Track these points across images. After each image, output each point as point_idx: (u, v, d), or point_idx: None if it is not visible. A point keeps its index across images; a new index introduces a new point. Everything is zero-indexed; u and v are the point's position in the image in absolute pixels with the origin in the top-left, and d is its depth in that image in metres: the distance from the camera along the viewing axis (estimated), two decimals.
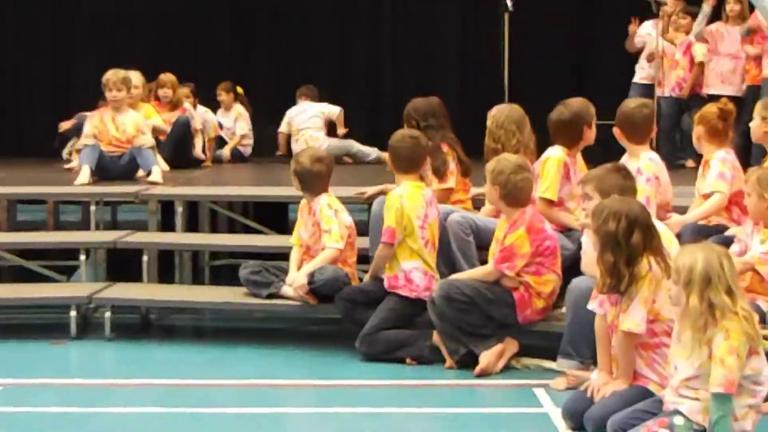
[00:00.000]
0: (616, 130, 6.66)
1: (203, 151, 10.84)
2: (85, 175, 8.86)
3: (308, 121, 11.45)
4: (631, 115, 6.68)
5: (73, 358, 7.04)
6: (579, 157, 6.96)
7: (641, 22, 10.85)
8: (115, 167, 9.19)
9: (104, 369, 6.86)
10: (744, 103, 9.42)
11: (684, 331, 4.76)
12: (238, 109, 11.81)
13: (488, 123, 7.18)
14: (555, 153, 6.80)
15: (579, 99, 6.98)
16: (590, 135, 6.87)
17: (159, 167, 9.10)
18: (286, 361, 6.77)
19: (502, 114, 7.16)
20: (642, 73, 11.03)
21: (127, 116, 9.31)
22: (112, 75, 9.29)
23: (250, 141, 11.82)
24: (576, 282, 6.08)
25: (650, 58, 10.70)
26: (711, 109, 6.86)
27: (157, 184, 8.78)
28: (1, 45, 14.11)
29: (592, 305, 5.48)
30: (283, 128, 11.61)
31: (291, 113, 11.58)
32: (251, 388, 6.19)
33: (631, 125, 6.65)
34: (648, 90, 10.50)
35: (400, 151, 6.78)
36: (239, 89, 11.96)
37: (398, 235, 6.59)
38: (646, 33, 10.88)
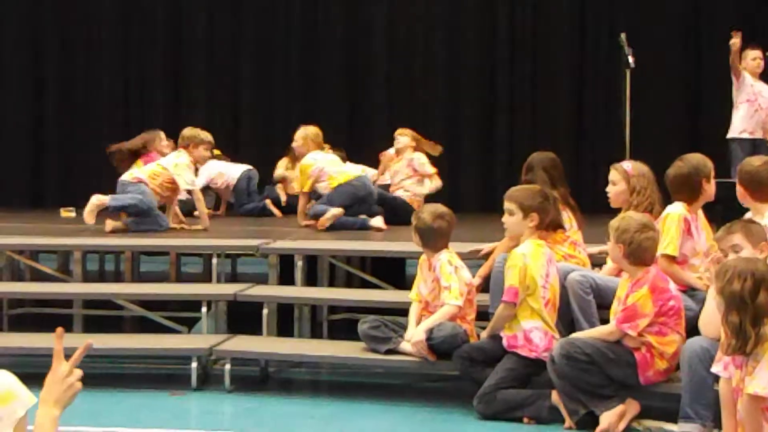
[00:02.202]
0: (739, 189, 6.53)
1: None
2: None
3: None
4: (756, 173, 6.54)
5: (193, 409, 7.10)
6: (701, 213, 6.85)
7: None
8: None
9: (223, 421, 6.90)
10: None
11: None
12: None
13: (616, 175, 7.07)
14: (675, 209, 6.71)
15: (696, 154, 6.91)
16: (710, 190, 6.76)
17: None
18: (404, 417, 6.74)
19: (639, 167, 7.09)
20: (744, 125, 10.73)
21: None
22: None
23: None
24: (690, 342, 5.97)
25: None
26: None
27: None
28: None
29: (716, 368, 5.35)
30: None
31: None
32: None
33: (758, 183, 6.52)
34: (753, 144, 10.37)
35: (533, 209, 6.69)
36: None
37: (521, 294, 6.54)
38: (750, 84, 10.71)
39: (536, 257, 6.60)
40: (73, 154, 14.18)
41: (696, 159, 6.85)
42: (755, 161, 6.80)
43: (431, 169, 10.91)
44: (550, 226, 7.19)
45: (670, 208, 6.74)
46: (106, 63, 14.55)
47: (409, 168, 10.87)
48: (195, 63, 14.61)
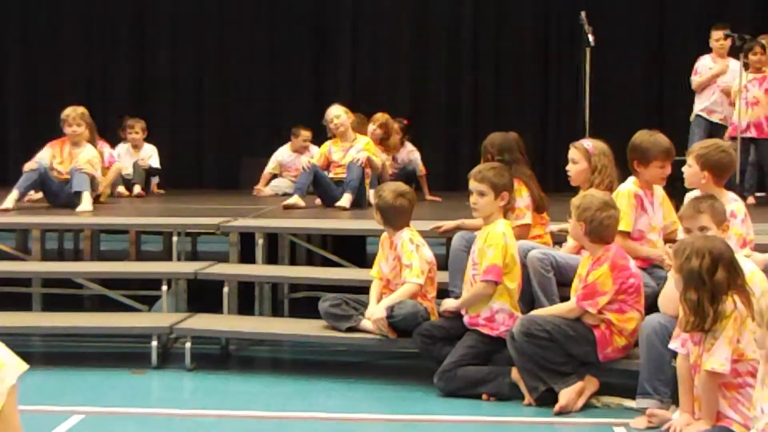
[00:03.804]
0: (701, 173, 6.48)
1: None
2: (10, 199, 9.18)
3: None
4: (719, 161, 6.52)
5: (153, 388, 7.08)
6: (659, 189, 6.85)
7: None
8: (62, 193, 9.48)
9: (183, 399, 6.89)
10: None
11: None
12: None
13: (577, 154, 7.07)
14: (624, 186, 6.75)
15: (644, 131, 6.88)
16: (649, 173, 6.72)
17: (88, 194, 9.30)
18: (365, 395, 6.75)
19: (600, 146, 7.08)
20: (702, 105, 10.81)
21: (84, 151, 9.62)
22: (71, 111, 9.68)
23: None
24: (648, 319, 6.02)
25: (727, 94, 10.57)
26: None
27: (84, 213, 9.04)
28: None
29: (673, 344, 5.41)
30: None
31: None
32: (329, 422, 6.18)
33: (719, 170, 6.50)
34: (711, 126, 10.44)
35: (499, 187, 6.65)
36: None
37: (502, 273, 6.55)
38: (706, 67, 10.77)
39: (512, 236, 6.62)
40: (35, 128, 14.03)
41: (638, 139, 6.78)
42: (715, 151, 6.67)
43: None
44: (537, 208, 7.22)
45: (621, 186, 6.78)
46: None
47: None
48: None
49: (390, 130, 10.85)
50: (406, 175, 10.68)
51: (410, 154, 11.21)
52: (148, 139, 11.69)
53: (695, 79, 10.81)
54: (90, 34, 14.61)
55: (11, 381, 2.48)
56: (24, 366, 2.53)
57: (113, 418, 6.20)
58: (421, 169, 11.18)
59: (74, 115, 9.68)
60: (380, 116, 10.83)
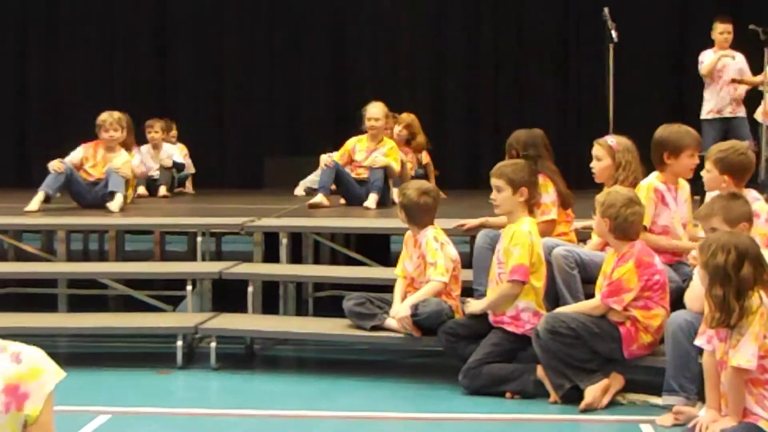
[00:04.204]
0: (720, 176, 6.44)
1: None
2: (36, 201, 9.14)
3: None
4: (738, 164, 6.48)
5: (179, 388, 7.11)
6: (684, 184, 6.84)
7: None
8: (89, 194, 9.48)
9: (209, 399, 6.91)
10: None
11: None
12: None
13: (601, 151, 7.05)
14: (646, 180, 6.76)
15: (674, 125, 6.86)
16: (678, 164, 6.71)
17: (122, 195, 9.30)
18: (389, 393, 6.76)
19: (624, 142, 7.06)
20: (710, 105, 10.69)
21: (118, 157, 9.64)
22: (107, 116, 9.66)
23: None
24: (674, 316, 6.01)
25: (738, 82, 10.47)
26: None
27: (112, 213, 9.05)
28: None
29: (699, 341, 5.38)
30: None
31: None
32: (354, 420, 6.19)
33: (739, 173, 6.47)
34: (724, 123, 10.37)
35: (516, 183, 6.63)
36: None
37: (529, 273, 6.53)
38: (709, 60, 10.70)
39: (537, 235, 6.60)
40: (59, 130, 14.10)
41: (667, 130, 6.80)
42: (733, 151, 6.63)
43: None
44: (562, 204, 7.21)
45: (643, 180, 6.77)
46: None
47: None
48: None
49: (415, 131, 10.84)
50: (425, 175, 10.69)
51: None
52: (179, 139, 11.80)
53: (702, 67, 10.70)
54: (111, 34, 14.67)
55: (50, 388, 2.50)
56: (62, 373, 2.55)
57: (139, 417, 6.23)
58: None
59: (111, 120, 9.63)
60: (406, 117, 10.82)
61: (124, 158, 9.66)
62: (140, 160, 10.44)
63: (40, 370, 2.49)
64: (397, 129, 10.66)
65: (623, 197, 6.31)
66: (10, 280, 9.12)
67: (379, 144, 9.89)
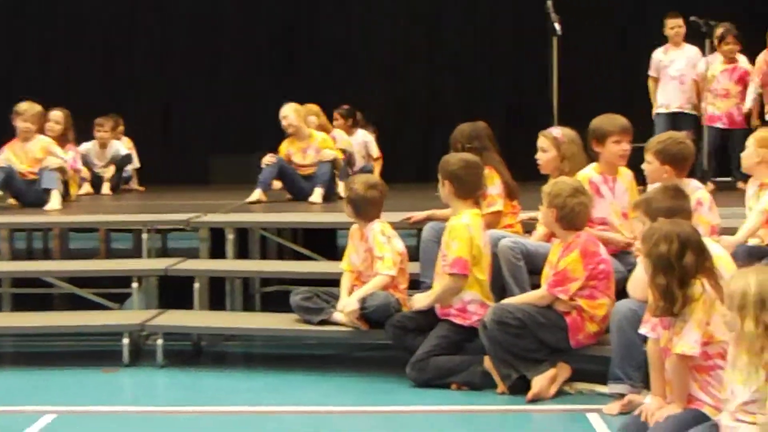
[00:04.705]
0: (662, 167, 6.52)
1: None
2: None
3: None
4: (678, 153, 6.55)
5: (126, 386, 7.06)
6: (626, 173, 6.90)
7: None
8: (29, 191, 9.47)
9: (156, 396, 6.87)
10: None
11: (740, 356, 4.70)
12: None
13: (546, 142, 7.09)
14: (582, 172, 6.83)
15: (601, 115, 6.95)
16: (607, 151, 6.79)
17: (59, 192, 9.28)
18: (338, 387, 6.77)
19: (569, 134, 7.11)
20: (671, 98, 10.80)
21: (35, 143, 9.61)
22: (27, 106, 9.70)
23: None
24: (619, 305, 6.07)
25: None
26: None
27: (53, 212, 9.02)
28: None
29: (644, 329, 5.43)
30: None
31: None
32: (302, 415, 6.18)
33: (679, 162, 6.54)
34: (672, 117, 10.47)
35: (462, 178, 6.68)
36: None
37: (469, 265, 6.55)
38: (656, 60, 10.85)
39: (477, 227, 6.61)
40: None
41: (595, 119, 6.90)
42: (671, 141, 6.67)
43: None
44: (508, 195, 7.23)
45: (579, 172, 6.83)
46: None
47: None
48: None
49: (323, 122, 10.93)
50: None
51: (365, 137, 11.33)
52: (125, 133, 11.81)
53: (651, 76, 10.89)
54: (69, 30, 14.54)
55: None
56: None
57: (86, 417, 6.19)
58: (376, 151, 11.33)
59: (30, 111, 9.66)
60: (312, 107, 10.86)
61: (44, 142, 9.67)
62: (73, 157, 10.42)
63: None
64: (312, 119, 10.70)
65: (569, 187, 6.36)
66: None
67: (310, 139, 9.90)
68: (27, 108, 9.67)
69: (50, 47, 14.63)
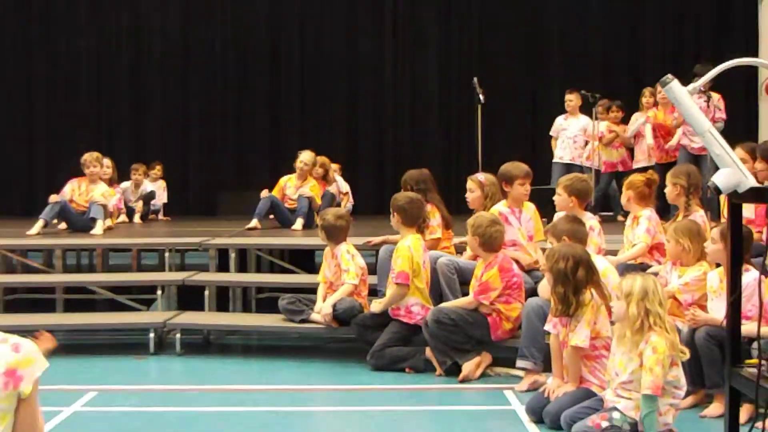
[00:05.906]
0: (569, 199, 6.56)
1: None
2: (37, 227, 9.06)
3: None
4: (582, 189, 6.59)
5: (151, 370, 6.99)
6: (530, 206, 6.90)
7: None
8: (79, 221, 9.38)
9: (175, 378, 6.79)
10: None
11: (623, 338, 4.73)
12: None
13: (473, 185, 7.09)
14: (494, 207, 6.83)
15: (510, 162, 6.96)
16: (516, 190, 6.79)
17: (102, 222, 9.23)
18: (314, 371, 6.73)
19: (490, 178, 7.12)
20: (566, 153, 10.83)
21: (99, 187, 9.59)
22: (88, 156, 9.62)
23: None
24: (529, 301, 6.09)
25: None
26: (639, 178, 6.82)
27: (97, 236, 8.99)
28: None
29: (548, 326, 5.45)
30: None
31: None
32: (288, 392, 6.15)
33: (582, 195, 6.58)
34: (565, 167, 10.53)
35: (408, 210, 6.68)
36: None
37: (410, 277, 6.54)
38: (557, 124, 10.90)
39: (417, 248, 6.61)
40: (59, 163, 13.68)
41: (504, 166, 6.91)
42: (577, 180, 6.70)
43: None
44: (445, 225, 7.21)
45: (493, 207, 6.83)
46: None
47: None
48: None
49: (327, 168, 10.86)
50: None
51: (342, 185, 11.27)
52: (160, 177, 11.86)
53: (552, 136, 10.98)
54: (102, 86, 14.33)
55: (38, 374, 2.51)
56: (47, 364, 2.55)
57: (120, 393, 6.12)
58: (346, 188, 11.33)
59: (90, 159, 9.63)
60: (321, 159, 10.82)
61: (103, 189, 9.59)
62: (119, 198, 10.36)
63: (32, 359, 2.49)
64: (317, 168, 10.64)
65: (487, 219, 6.37)
66: (18, 288, 8.97)
67: (305, 182, 9.88)
68: (87, 157, 9.63)
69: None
